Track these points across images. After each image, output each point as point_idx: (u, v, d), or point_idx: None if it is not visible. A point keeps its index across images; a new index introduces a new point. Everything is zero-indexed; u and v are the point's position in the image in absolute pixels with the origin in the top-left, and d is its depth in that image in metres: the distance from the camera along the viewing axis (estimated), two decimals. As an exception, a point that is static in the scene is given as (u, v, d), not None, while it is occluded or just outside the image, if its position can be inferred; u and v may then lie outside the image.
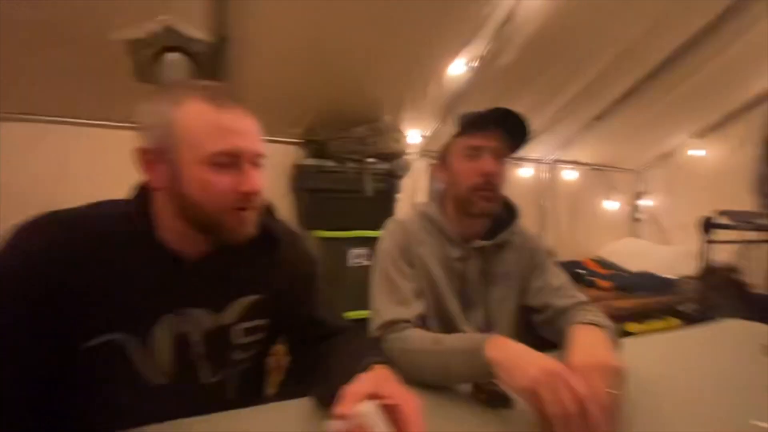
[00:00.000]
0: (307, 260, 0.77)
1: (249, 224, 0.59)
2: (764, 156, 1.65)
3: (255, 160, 0.58)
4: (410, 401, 0.50)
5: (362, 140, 2.12)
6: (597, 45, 2.07)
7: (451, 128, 0.94)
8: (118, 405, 0.58)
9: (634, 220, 3.65)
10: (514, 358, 0.60)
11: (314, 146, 2.11)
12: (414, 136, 2.50)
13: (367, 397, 0.49)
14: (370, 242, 2.20)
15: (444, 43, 1.89)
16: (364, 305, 1.95)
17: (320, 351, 0.70)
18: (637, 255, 3.21)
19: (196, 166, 0.54)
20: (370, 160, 2.15)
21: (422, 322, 0.85)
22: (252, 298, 0.67)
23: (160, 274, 0.58)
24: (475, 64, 2.01)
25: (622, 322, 2.21)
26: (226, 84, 0.59)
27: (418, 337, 0.76)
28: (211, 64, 1.67)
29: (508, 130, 0.87)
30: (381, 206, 2.18)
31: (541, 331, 0.91)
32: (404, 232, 0.91)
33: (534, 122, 2.67)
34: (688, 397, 0.72)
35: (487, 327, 0.90)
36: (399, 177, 2.19)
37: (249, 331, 0.67)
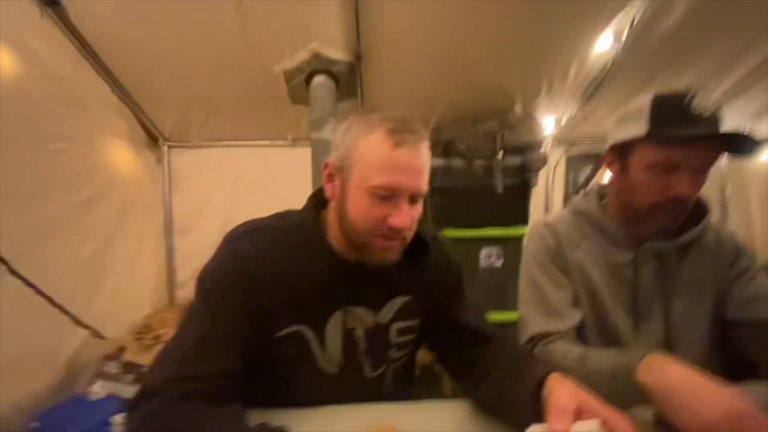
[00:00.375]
0: (451, 264, 0.78)
1: (392, 253, 0.64)
2: None
3: (413, 197, 0.62)
4: (624, 419, 0.47)
5: (491, 135, 2.04)
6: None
7: (636, 118, 0.71)
8: (299, 387, 0.69)
9: None
10: (683, 387, 0.49)
11: (441, 146, 2.12)
12: (548, 124, 2.29)
13: (575, 414, 0.47)
14: (502, 241, 2.14)
15: (585, 18, 1.67)
16: (496, 307, 1.88)
17: (472, 356, 0.71)
18: None
19: (359, 191, 0.61)
20: (500, 154, 2.06)
21: (578, 334, 0.77)
22: (404, 299, 0.72)
23: (330, 274, 0.66)
24: (626, 35, 1.72)
25: None
26: (409, 117, 0.64)
27: (561, 352, 0.69)
28: (349, 80, 1.84)
29: (723, 144, 0.66)
30: (513, 202, 2.06)
31: (745, 352, 0.73)
32: (555, 235, 0.81)
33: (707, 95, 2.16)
34: None
35: (668, 346, 0.75)
36: (533, 170, 2.03)
37: (402, 331, 0.72)
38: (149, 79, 1.88)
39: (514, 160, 2.04)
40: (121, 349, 1.72)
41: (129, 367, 1.62)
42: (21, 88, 1.39)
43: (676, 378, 0.50)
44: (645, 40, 1.76)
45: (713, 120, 0.65)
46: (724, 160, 2.58)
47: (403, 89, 2.02)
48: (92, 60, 1.68)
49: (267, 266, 0.64)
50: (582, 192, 0.88)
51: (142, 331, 1.89)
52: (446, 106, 2.15)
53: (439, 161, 2.10)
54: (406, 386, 0.80)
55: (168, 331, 1.87)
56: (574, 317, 0.76)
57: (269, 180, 2.36)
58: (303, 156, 1.86)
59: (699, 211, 0.76)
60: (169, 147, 2.35)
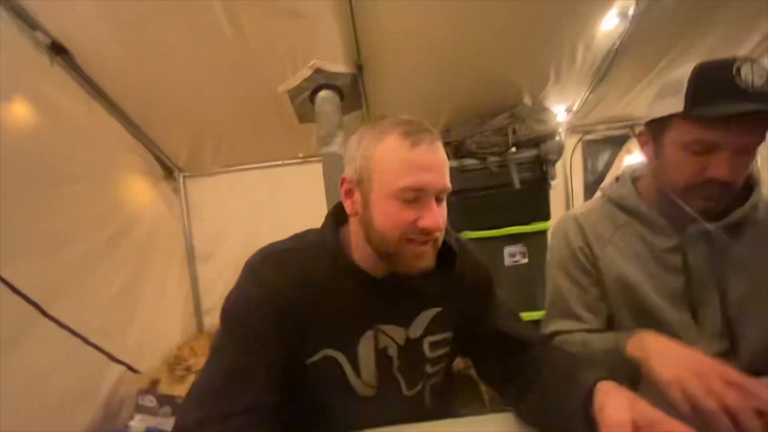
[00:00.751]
0: (481, 271, 0.75)
1: (427, 258, 0.61)
2: None
3: (440, 195, 0.60)
4: (684, 429, 0.43)
5: (502, 130, 2.00)
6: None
7: (675, 92, 0.65)
8: (336, 413, 0.66)
9: None
10: (660, 351, 0.54)
11: (452, 147, 2.09)
12: (560, 113, 2.23)
13: (634, 427, 0.44)
14: (525, 238, 2.07)
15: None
16: (526, 306, 1.82)
17: (512, 366, 0.67)
18: None
19: (384, 198, 0.59)
20: (514, 149, 2.01)
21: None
22: (433, 311, 0.69)
23: (357, 293, 0.64)
24: (632, 10, 1.66)
25: None
26: (418, 119, 0.62)
27: (568, 341, 0.71)
28: (353, 92, 1.83)
29: None
30: (533, 197, 2.01)
31: None
32: (580, 231, 0.77)
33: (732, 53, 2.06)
34: None
35: (728, 336, 0.69)
36: (551, 161, 1.97)
37: (435, 345, 0.69)
38: (159, 112, 1.92)
39: (529, 154, 1.99)
40: (156, 382, 1.74)
41: (164, 400, 1.63)
42: (39, 136, 1.43)
43: (654, 345, 0.56)
44: (653, 14, 1.69)
45: (762, 94, 0.58)
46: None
47: (407, 94, 2.00)
48: (103, 101, 1.72)
49: (292, 290, 0.62)
50: (612, 177, 0.83)
51: (174, 363, 1.90)
52: (453, 106, 2.12)
53: (452, 163, 2.07)
54: (446, 402, 0.77)
55: (199, 361, 1.89)
56: (590, 321, 0.75)
57: (284, 199, 2.37)
58: (314, 172, 1.86)
59: (748, 185, 0.70)
60: (185, 177, 2.39)
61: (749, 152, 0.62)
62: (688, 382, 0.48)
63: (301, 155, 2.37)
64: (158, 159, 2.22)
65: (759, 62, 0.59)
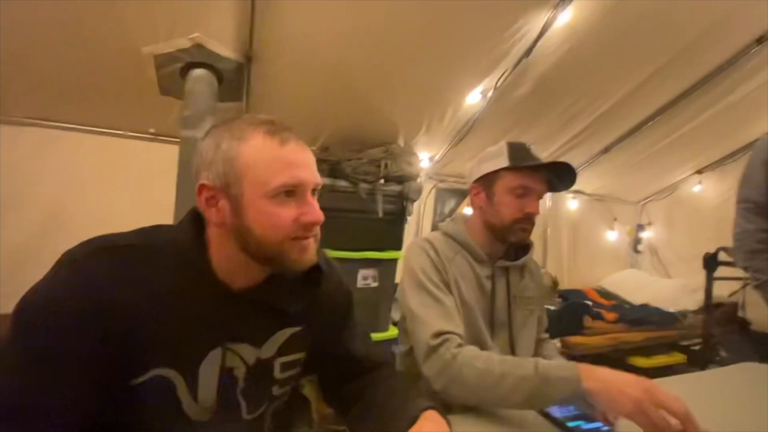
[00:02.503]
0: (344, 291, 0.75)
1: (311, 252, 0.59)
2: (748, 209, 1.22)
3: (315, 189, 0.59)
4: None
5: (376, 162, 2.13)
6: (606, 84, 2.15)
7: (497, 156, 0.91)
8: None
9: (634, 251, 3.68)
10: (613, 385, 0.62)
11: (328, 166, 2.12)
12: (424, 159, 2.53)
13: None
14: (378, 264, 2.22)
15: (463, 74, 1.94)
16: (373, 327, 1.92)
17: (357, 386, 0.69)
18: (637, 287, 3.23)
19: (259, 200, 0.54)
20: (383, 181, 2.16)
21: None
22: (290, 330, 0.65)
23: (210, 307, 0.56)
24: (491, 94, 2.05)
25: (629, 356, 2.20)
26: (280, 118, 0.59)
27: (486, 357, 0.74)
28: (234, 81, 1.69)
29: (558, 178, 0.91)
30: (391, 228, 2.17)
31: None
32: (433, 249, 0.91)
33: (545, 150, 2.72)
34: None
35: (512, 350, 0.93)
36: (411, 200, 2.19)
37: (287, 366, 0.65)
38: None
39: (395, 189, 2.17)
40: None
41: None
42: None
43: (608, 379, 0.64)
44: (504, 101, 2.13)
45: (541, 160, 0.89)
46: (547, 203, 3.28)
47: (293, 102, 1.96)
48: None
49: (122, 296, 0.50)
50: (448, 219, 1.05)
51: None
52: (335, 127, 2.17)
53: (326, 181, 2.09)
54: (284, 424, 0.73)
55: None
56: (457, 320, 0.84)
57: (116, 177, 1.96)
58: (165, 153, 1.60)
59: (526, 244, 0.99)
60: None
61: (540, 198, 0.91)
62: (648, 410, 0.57)
63: (152, 131, 2.03)
64: None
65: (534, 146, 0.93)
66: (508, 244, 0.94)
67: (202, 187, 0.56)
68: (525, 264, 0.98)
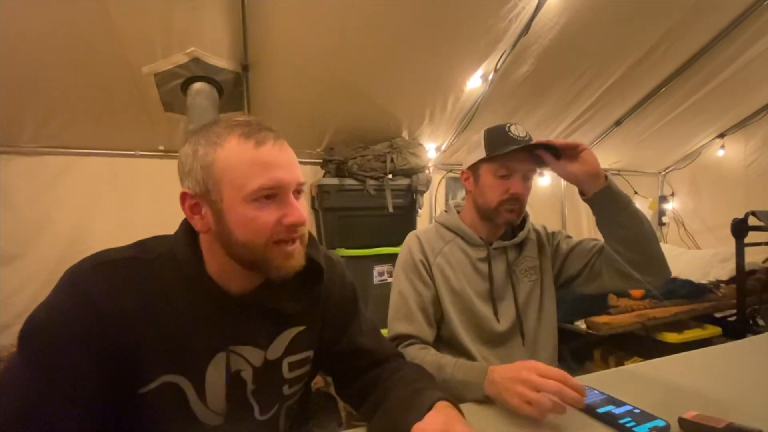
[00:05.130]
0: (347, 287, 0.75)
1: (297, 257, 0.58)
2: None
3: (297, 189, 0.57)
4: None
5: (381, 157, 2.13)
6: (613, 52, 2.06)
7: (478, 146, 0.96)
8: None
9: (659, 224, 3.55)
10: (500, 385, 0.66)
11: (334, 165, 2.13)
12: (431, 150, 2.51)
13: None
14: (393, 259, 2.20)
15: (461, 59, 1.91)
16: (386, 322, 1.94)
17: (369, 380, 0.69)
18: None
19: (239, 205, 0.53)
20: (390, 176, 2.16)
21: (444, 329, 0.93)
22: (295, 330, 0.66)
23: (210, 312, 0.57)
24: (492, 77, 2.01)
25: (659, 332, 2.12)
26: (257, 117, 0.59)
27: (418, 359, 0.81)
28: (234, 91, 1.72)
29: (537, 155, 0.92)
30: (402, 222, 2.17)
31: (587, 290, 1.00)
32: (420, 246, 0.96)
33: (552, 130, 2.65)
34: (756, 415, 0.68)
35: (519, 321, 0.96)
36: (419, 192, 2.18)
37: (295, 365, 0.66)
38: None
39: (403, 182, 2.17)
40: None
41: None
42: None
43: (499, 380, 0.67)
44: (506, 82, 2.08)
45: (526, 139, 0.91)
46: (563, 182, 3.20)
47: (294, 105, 1.98)
48: None
49: (123, 308, 0.52)
50: (442, 210, 1.09)
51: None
52: (338, 126, 2.18)
53: (333, 181, 2.11)
54: (301, 424, 0.74)
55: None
56: (424, 323, 0.91)
57: (132, 197, 2.03)
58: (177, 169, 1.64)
59: (523, 218, 1.02)
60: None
61: (529, 177, 0.94)
62: (530, 399, 0.59)
63: (161, 148, 2.09)
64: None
65: (519, 124, 0.93)
66: (498, 225, 0.96)
67: (185, 195, 0.56)
68: (524, 240, 1.00)
